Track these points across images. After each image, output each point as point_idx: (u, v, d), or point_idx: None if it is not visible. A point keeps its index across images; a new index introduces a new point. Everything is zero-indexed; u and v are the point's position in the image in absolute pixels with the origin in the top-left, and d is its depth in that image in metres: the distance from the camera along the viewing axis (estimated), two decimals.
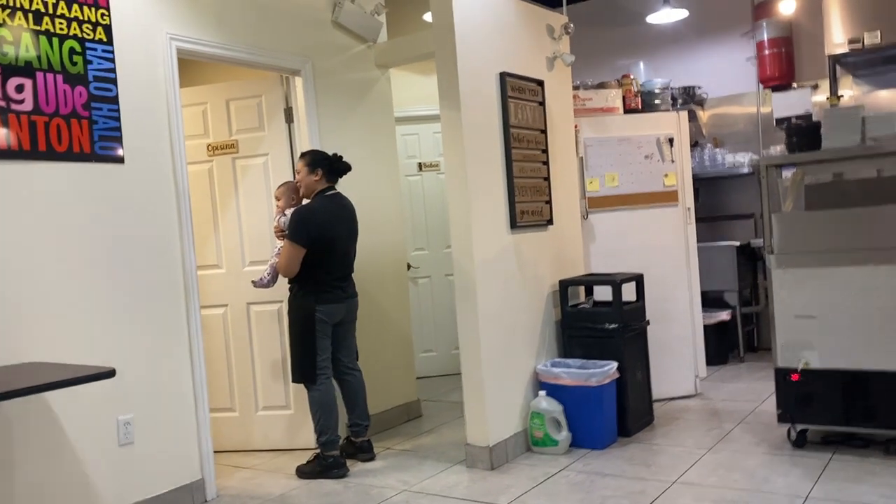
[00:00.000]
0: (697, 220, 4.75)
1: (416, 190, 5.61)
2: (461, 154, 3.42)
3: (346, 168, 3.56)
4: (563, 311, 3.92)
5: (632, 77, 4.50)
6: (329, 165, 3.52)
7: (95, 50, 2.96)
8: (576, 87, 4.34)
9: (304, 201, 3.60)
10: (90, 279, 2.93)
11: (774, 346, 3.33)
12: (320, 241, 3.39)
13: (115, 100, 3.03)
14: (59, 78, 2.83)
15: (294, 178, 3.68)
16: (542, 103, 3.87)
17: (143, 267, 3.12)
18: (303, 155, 3.56)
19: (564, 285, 3.91)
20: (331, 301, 3.45)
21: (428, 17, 5.11)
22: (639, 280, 3.97)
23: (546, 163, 3.89)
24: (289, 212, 3.57)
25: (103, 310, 2.96)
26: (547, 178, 3.89)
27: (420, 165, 5.63)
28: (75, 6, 2.90)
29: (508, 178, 3.64)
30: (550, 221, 3.91)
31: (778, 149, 5.28)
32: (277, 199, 3.68)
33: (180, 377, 3.24)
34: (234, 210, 3.98)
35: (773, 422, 3.64)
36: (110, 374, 2.35)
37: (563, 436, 3.54)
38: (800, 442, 3.32)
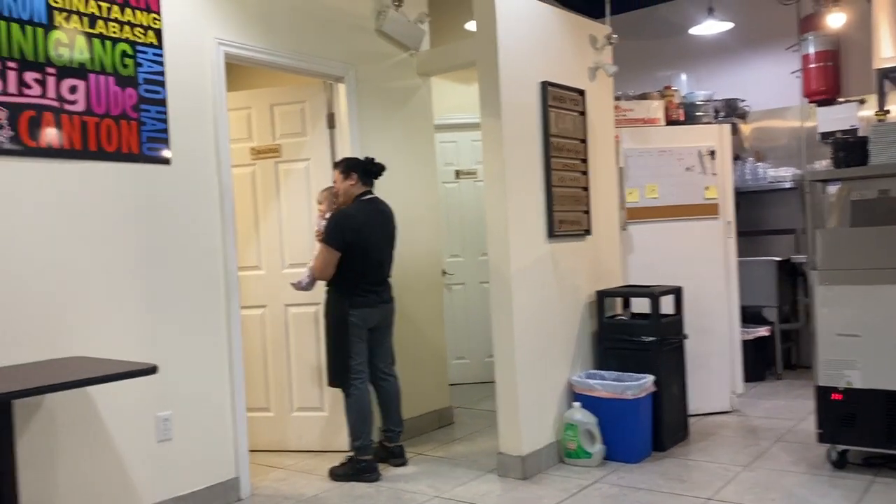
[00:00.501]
0: (738, 234, 4.66)
1: (452, 197, 5.62)
2: (500, 162, 3.42)
3: (379, 169, 3.56)
4: (599, 323, 3.88)
5: (674, 88, 4.45)
6: (362, 168, 3.53)
7: (146, 53, 3.01)
8: (617, 98, 4.31)
9: None
10: (134, 277, 2.97)
11: (816, 364, 3.25)
12: (355, 245, 3.41)
13: (163, 102, 3.06)
14: (111, 80, 2.88)
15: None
16: (583, 113, 3.86)
17: (185, 266, 3.14)
18: (336, 164, 3.60)
19: (601, 296, 3.89)
20: (365, 305, 3.45)
21: (470, 25, 5.15)
22: (677, 293, 3.91)
23: (585, 172, 3.86)
24: (328, 216, 3.58)
25: (146, 307, 3.00)
26: (586, 188, 3.86)
27: (457, 173, 5.65)
28: (128, 10, 2.96)
29: (547, 187, 3.62)
30: (588, 231, 3.88)
31: (822, 164, 5.18)
32: (320, 203, 3.70)
33: (219, 376, 3.26)
34: (276, 213, 4.01)
35: (812, 441, 3.57)
36: (152, 370, 2.37)
37: (597, 448, 3.50)
38: (840, 463, 3.24)
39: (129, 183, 2.95)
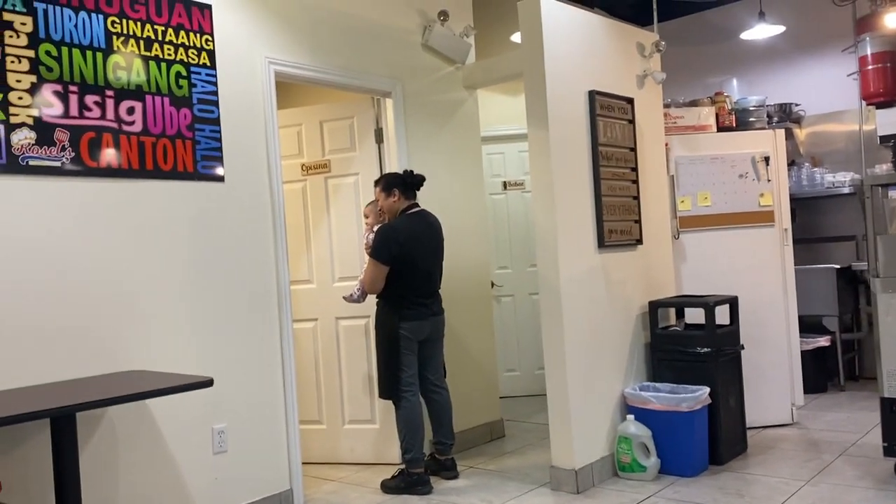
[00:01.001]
0: (795, 241, 4.55)
1: (500, 208, 5.61)
2: (548, 172, 3.41)
3: (418, 180, 3.57)
4: (652, 334, 3.83)
5: (725, 94, 4.37)
6: (402, 182, 3.54)
7: (199, 74, 3.07)
8: (667, 105, 4.26)
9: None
10: (190, 292, 3.02)
11: (880, 375, 3.14)
12: (402, 258, 3.41)
13: (216, 121, 3.11)
14: (167, 100, 2.95)
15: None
16: (632, 121, 3.82)
17: (239, 281, 3.18)
18: (376, 183, 3.61)
19: (654, 307, 3.83)
20: (414, 318, 3.46)
21: (516, 37, 5.13)
22: (733, 303, 3.83)
23: (635, 181, 3.82)
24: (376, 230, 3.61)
25: (202, 322, 3.05)
26: (636, 197, 3.82)
27: (505, 184, 5.64)
28: (182, 32, 3.03)
29: (596, 197, 3.59)
30: (640, 241, 3.84)
31: (882, 167, 5.02)
32: (366, 216, 3.72)
33: (272, 389, 3.29)
34: (326, 227, 4.05)
35: (878, 455, 3.43)
36: (208, 383, 2.41)
37: (652, 462, 3.43)
38: None
39: (184, 200, 3.01)
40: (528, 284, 5.52)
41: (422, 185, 3.62)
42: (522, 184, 5.62)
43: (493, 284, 4.99)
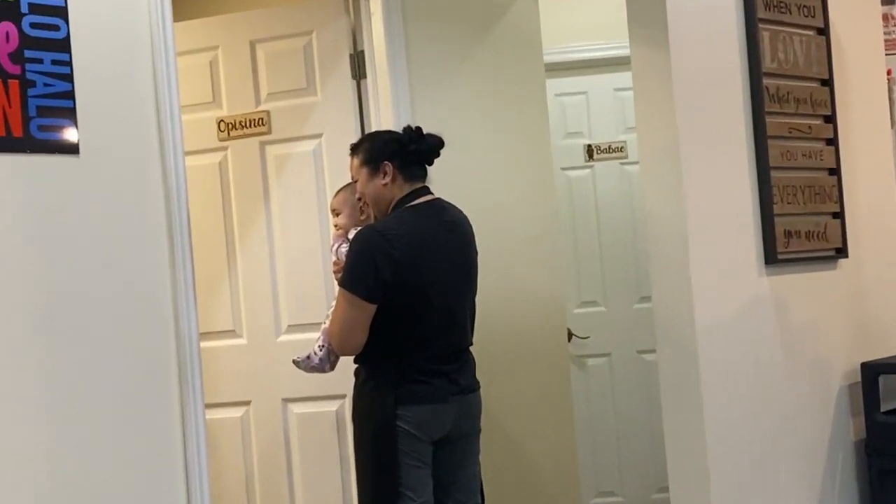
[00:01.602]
0: None
1: (581, 193, 5.59)
2: (669, 127, 3.41)
3: (431, 146, 3.46)
4: (868, 422, 3.78)
5: None
6: (400, 150, 3.43)
7: None
8: (887, 2, 4.16)
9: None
10: (12, 355, 2.92)
11: None
12: (401, 288, 3.29)
13: (64, 45, 3.00)
14: None
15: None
16: (824, 31, 3.78)
17: (104, 336, 3.08)
18: (354, 149, 3.52)
19: (872, 372, 3.78)
20: (425, 399, 3.32)
21: None
22: None
23: (832, 141, 3.80)
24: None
25: (32, 407, 2.95)
26: (834, 171, 3.79)
27: (590, 150, 5.60)
28: None
29: (759, 171, 3.58)
30: (841, 251, 3.83)
31: None
32: (336, 213, 3.66)
33: None
34: (264, 233, 4.10)
35: None
36: None
37: None
38: None
39: (5, 188, 2.93)
40: (637, 334, 5.40)
41: (437, 154, 3.49)
42: (622, 149, 5.56)
43: (570, 335, 4.98)
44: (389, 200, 3.42)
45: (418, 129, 3.49)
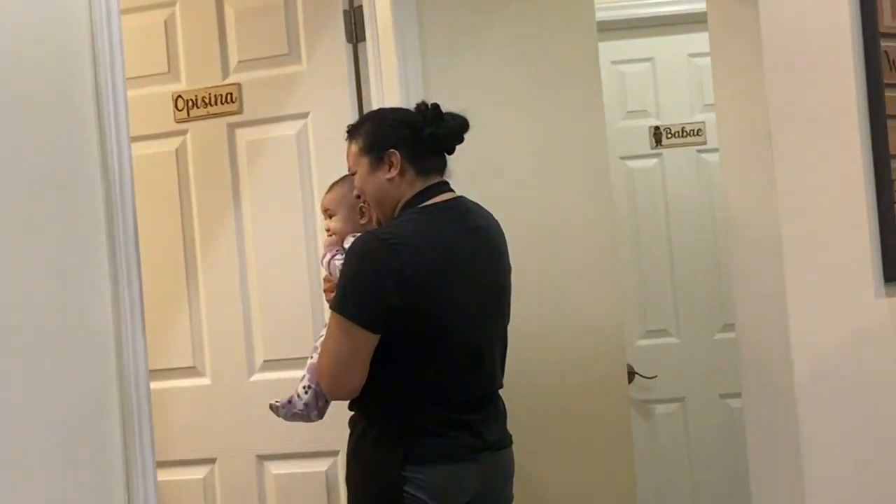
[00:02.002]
0: None
1: (646, 190, 5.68)
2: (759, 105, 3.40)
3: (457, 129, 3.48)
4: None
5: None
6: (411, 134, 3.45)
7: None
8: None
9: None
10: None
11: None
12: (413, 316, 3.30)
13: None
14: None
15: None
16: None
17: (16, 376, 3.09)
18: (352, 132, 3.55)
19: None
20: (442, 458, 3.33)
21: None
22: None
23: None
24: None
25: None
26: None
27: (657, 134, 5.67)
28: None
29: (877, 162, 3.49)
30: None
31: None
32: (328, 214, 3.72)
33: None
34: (233, 241, 4.18)
35: None
36: None
37: None
38: None
39: None
40: (718, 373, 5.47)
41: (459, 139, 3.52)
42: (698, 132, 5.65)
43: (632, 374, 5.10)
44: (397, 199, 3.44)
45: (435, 106, 3.49)
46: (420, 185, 3.44)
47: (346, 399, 3.42)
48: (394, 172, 3.42)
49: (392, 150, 3.41)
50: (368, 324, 3.26)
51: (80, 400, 3.23)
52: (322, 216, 3.77)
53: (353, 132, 3.54)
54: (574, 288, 4.33)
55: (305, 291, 3.98)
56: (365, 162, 3.46)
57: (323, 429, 3.71)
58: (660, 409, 5.55)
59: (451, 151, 3.53)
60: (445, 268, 3.37)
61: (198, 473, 4.06)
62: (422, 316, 3.30)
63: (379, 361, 3.31)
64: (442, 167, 3.51)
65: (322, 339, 3.50)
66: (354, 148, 3.51)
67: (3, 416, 3.05)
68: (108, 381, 3.29)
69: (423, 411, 3.35)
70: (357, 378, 3.32)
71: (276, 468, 4.00)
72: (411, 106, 3.62)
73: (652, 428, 5.52)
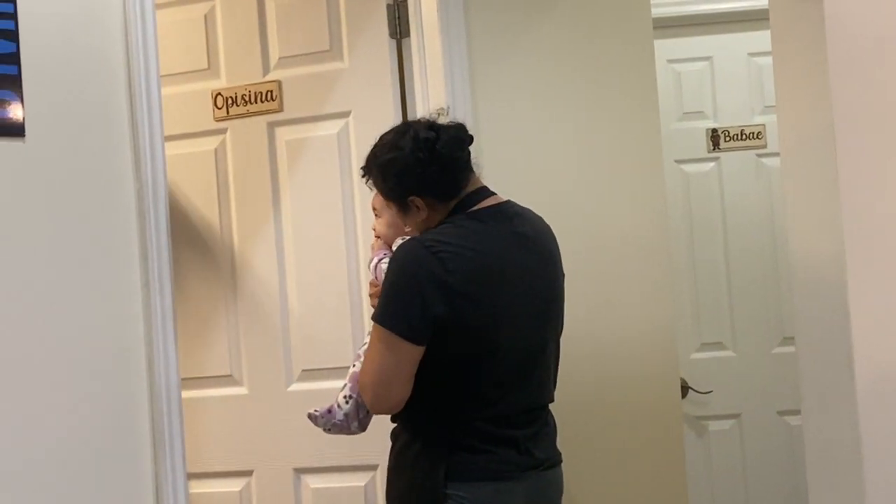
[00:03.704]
0: None
1: (703, 195, 5.63)
2: (823, 107, 3.31)
3: (456, 147, 3.37)
4: None
5: None
6: (423, 176, 3.34)
7: None
8: None
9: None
10: None
11: None
12: (458, 327, 3.26)
13: None
14: None
15: None
16: None
17: (46, 384, 3.16)
18: (365, 176, 3.49)
19: None
20: (486, 475, 3.28)
21: None
22: None
23: None
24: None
25: None
26: None
27: (715, 136, 5.63)
28: None
29: None
30: None
31: None
32: (376, 214, 3.71)
33: None
34: (272, 244, 4.19)
35: None
36: None
37: None
38: None
39: None
40: (776, 388, 5.41)
41: (464, 151, 3.43)
42: (758, 135, 5.58)
43: (686, 389, 5.06)
44: (439, 222, 3.39)
45: (427, 141, 3.36)
46: (456, 201, 3.41)
47: (388, 413, 3.39)
48: (423, 214, 3.39)
49: (411, 197, 3.38)
50: (412, 335, 3.23)
51: (108, 409, 3.30)
52: (373, 215, 3.73)
53: (366, 177, 3.51)
54: (625, 298, 4.28)
55: (345, 298, 3.99)
56: (393, 206, 3.45)
57: (362, 442, 3.68)
58: (714, 425, 5.50)
59: (466, 163, 3.43)
60: (492, 275, 3.31)
61: (234, 486, 4.08)
62: (467, 326, 3.26)
63: (422, 373, 3.28)
64: (468, 173, 3.41)
65: (365, 347, 3.48)
66: (376, 192, 3.52)
67: (28, 424, 3.13)
68: (139, 391, 3.32)
69: (468, 426, 3.31)
70: (401, 392, 3.28)
71: (313, 482, 4.00)
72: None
73: (706, 446, 5.47)
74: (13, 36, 3.05)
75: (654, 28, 4.49)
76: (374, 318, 3.33)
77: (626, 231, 4.29)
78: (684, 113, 5.49)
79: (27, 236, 3.11)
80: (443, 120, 3.50)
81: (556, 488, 3.47)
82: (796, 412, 4.39)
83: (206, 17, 4.16)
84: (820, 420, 3.39)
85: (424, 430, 3.33)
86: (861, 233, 3.30)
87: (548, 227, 3.51)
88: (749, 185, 5.54)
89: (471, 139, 3.42)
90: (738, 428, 5.48)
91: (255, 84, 4.09)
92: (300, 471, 3.99)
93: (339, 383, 3.62)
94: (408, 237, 3.47)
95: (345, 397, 3.47)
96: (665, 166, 4.54)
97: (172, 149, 3.83)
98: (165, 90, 3.76)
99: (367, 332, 3.58)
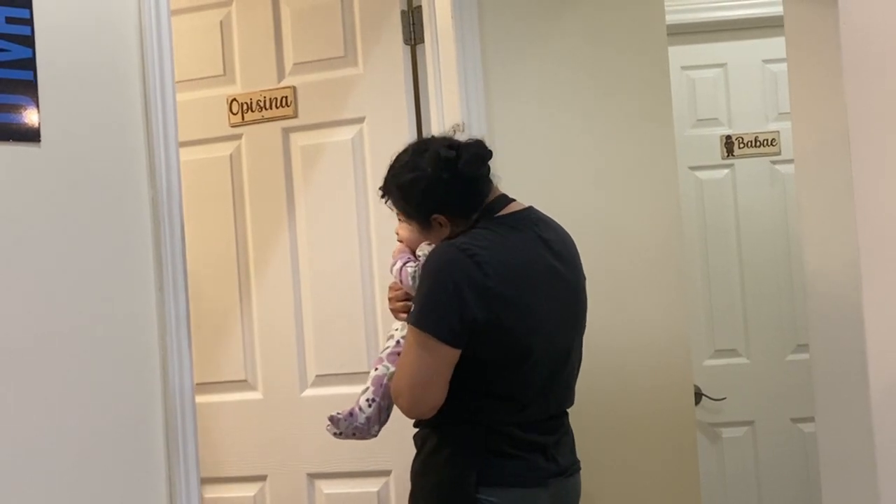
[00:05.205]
0: None
1: (717, 202, 5.66)
2: (838, 114, 3.30)
3: (478, 164, 3.35)
4: None
5: None
6: (446, 196, 3.35)
7: None
8: None
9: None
10: None
11: None
12: (494, 331, 3.25)
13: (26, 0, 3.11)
14: None
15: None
16: None
17: (61, 387, 3.16)
18: (384, 193, 3.47)
19: None
20: (517, 481, 3.28)
21: None
22: None
23: None
24: (424, 253, 3.50)
25: None
26: None
27: (729, 143, 5.64)
28: None
29: None
30: None
31: None
32: (399, 217, 3.66)
33: None
34: (287, 249, 4.20)
35: None
36: None
37: None
38: None
39: None
40: (790, 395, 5.44)
41: (484, 166, 3.41)
42: (772, 142, 5.61)
43: (699, 396, 5.08)
44: (462, 232, 3.39)
45: (447, 161, 3.32)
46: (478, 212, 3.41)
47: (426, 416, 3.35)
48: (446, 230, 3.38)
49: (434, 215, 3.38)
50: (450, 338, 3.22)
51: (122, 413, 3.29)
52: (388, 221, 3.72)
53: (385, 198, 3.50)
54: (639, 304, 4.28)
55: (359, 303, 3.99)
56: (415, 223, 3.45)
57: (376, 447, 3.67)
58: (728, 432, 5.52)
59: (486, 178, 3.42)
60: (525, 278, 3.32)
61: (248, 491, 4.08)
62: (503, 329, 3.25)
63: (455, 376, 3.28)
64: (490, 183, 3.42)
65: (387, 350, 3.49)
66: (402, 216, 3.50)
67: (41, 429, 3.13)
68: (153, 395, 3.32)
69: (500, 431, 3.30)
70: (438, 395, 3.27)
71: (327, 487, 4.00)
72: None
73: (719, 452, 5.50)
74: (29, 41, 3.05)
75: (669, 35, 4.49)
76: (410, 321, 3.32)
77: (639, 238, 4.29)
78: (698, 120, 5.51)
79: (42, 241, 3.12)
80: (459, 136, 3.49)
81: (577, 496, 3.49)
82: (810, 419, 4.39)
83: (221, 23, 4.18)
84: (834, 427, 3.39)
85: (455, 434, 3.32)
86: (876, 240, 3.28)
87: (568, 233, 3.51)
88: (763, 192, 5.56)
89: (490, 154, 3.41)
90: (751, 435, 5.53)
91: (270, 90, 4.10)
92: (314, 476, 3.99)
93: (353, 389, 3.61)
94: (433, 242, 3.47)
95: (367, 400, 3.45)
96: (679, 173, 4.53)
97: (187, 154, 3.81)
98: (181, 96, 3.78)
99: (387, 336, 3.57)
